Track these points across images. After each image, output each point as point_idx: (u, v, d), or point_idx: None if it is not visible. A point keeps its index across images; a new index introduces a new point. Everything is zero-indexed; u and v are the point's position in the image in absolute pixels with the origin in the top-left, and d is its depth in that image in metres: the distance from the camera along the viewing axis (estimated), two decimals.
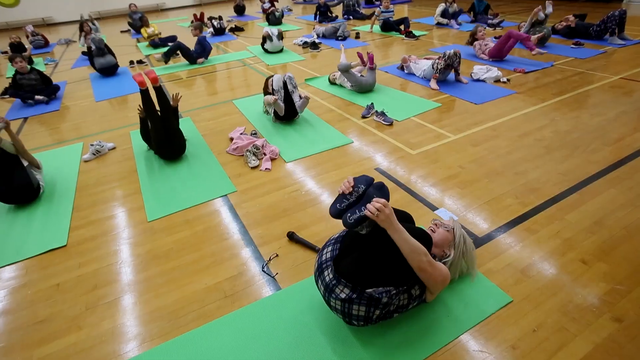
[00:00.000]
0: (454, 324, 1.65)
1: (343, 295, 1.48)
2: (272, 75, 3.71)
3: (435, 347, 1.56)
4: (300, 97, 3.68)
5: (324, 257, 1.59)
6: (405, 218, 1.79)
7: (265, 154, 3.15)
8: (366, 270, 1.48)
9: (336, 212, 1.57)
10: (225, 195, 2.72)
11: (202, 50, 6.33)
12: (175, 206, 2.63)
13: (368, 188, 1.54)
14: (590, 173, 2.64)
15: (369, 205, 1.37)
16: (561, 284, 1.81)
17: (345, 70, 4.40)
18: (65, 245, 2.35)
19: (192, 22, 9.68)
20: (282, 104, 3.53)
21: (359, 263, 1.49)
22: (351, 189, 1.55)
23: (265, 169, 2.98)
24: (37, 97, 4.97)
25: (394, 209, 1.78)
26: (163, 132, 3.08)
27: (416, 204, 2.46)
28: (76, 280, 2.08)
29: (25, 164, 2.91)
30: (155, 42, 7.80)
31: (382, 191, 1.48)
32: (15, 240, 2.43)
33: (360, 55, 4.56)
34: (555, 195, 2.44)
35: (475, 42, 5.52)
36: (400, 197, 2.54)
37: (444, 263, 1.69)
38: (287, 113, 3.66)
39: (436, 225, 1.78)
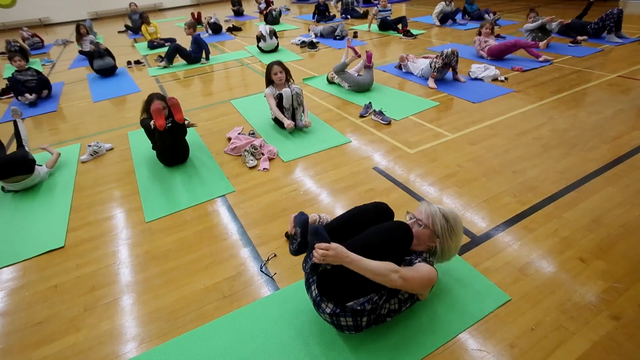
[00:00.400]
0: (452, 322, 1.65)
1: (328, 310, 1.51)
2: (276, 61, 3.58)
3: (434, 346, 1.56)
4: (303, 117, 3.58)
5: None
6: (383, 212, 1.68)
7: (263, 154, 3.15)
8: (341, 286, 1.48)
9: (293, 252, 1.80)
10: (224, 195, 2.71)
11: (199, 48, 6.31)
12: (173, 207, 2.62)
13: (303, 228, 1.70)
14: (588, 171, 2.65)
15: (314, 253, 1.39)
16: (559, 282, 1.81)
17: (341, 70, 4.40)
18: (63, 247, 2.34)
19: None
20: (293, 124, 3.48)
21: (334, 280, 1.49)
22: (294, 229, 1.71)
23: (264, 169, 2.98)
24: (27, 95, 4.98)
25: (364, 207, 1.71)
26: (171, 146, 3.04)
27: (414, 203, 2.46)
28: (74, 281, 2.07)
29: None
30: (154, 44, 7.77)
31: (318, 235, 1.46)
32: (13, 241, 2.42)
33: (352, 48, 4.54)
34: (553, 193, 2.45)
35: (477, 37, 5.46)
36: (399, 196, 2.54)
37: (434, 253, 1.63)
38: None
39: (411, 224, 1.63)
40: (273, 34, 6.56)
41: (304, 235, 1.64)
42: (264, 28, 6.55)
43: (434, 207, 1.63)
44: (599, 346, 1.52)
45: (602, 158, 2.79)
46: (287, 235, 2.23)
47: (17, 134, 3.18)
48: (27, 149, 3.10)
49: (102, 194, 2.87)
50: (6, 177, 2.84)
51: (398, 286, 1.41)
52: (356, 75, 4.47)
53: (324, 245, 1.37)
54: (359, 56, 4.48)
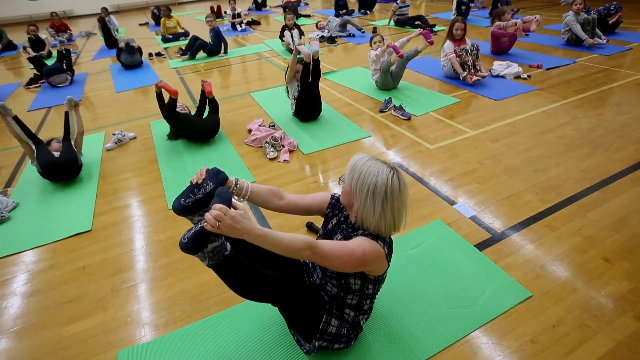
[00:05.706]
0: (472, 316, 1.65)
1: (306, 348, 1.50)
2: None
3: (454, 338, 1.57)
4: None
5: None
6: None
7: (283, 146, 3.18)
8: (295, 324, 1.45)
9: (179, 208, 1.29)
10: None
11: (218, 41, 6.39)
12: None
13: (217, 187, 1.28)
14: (613, 171, 2.59)
15: (207, 215, 1.03)
16: (582, 281, 1.79)
17: (414, 56, 4.13)
18: (90, 230, 2.42)
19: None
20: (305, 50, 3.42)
21: (288, 319, 1.47)
22: (201, 182, 1.30)
23: (284, 160, 3.01)
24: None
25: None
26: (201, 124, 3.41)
27: (434, 197, 2.46)
28: (101, 263, 2.14)
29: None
30: (167, 38, 7.92)
31: (220, 196, 1.16)
32: (44, 224, 2.51)
33: (424, 34, 4.10)
34: (576, 192, 2.41)
35: (498, 22, 5.15)
36: (418, 190, 2.54)
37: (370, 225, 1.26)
38: (310, 113, 3.67)
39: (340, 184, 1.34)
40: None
41: (210, 196, 1.27)
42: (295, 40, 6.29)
43: (357, 157, 1.27)
44: (623, 346, 1.50)
45: (628, 159, 2.73)
46: (307, 226, 2.25)
47: (66, 126, 3.08)
48: (72, 142, 3.04)
49: (126, 181, 2.95)
50: (54, 181, 2.92)
51: (315, 261, 1.16)
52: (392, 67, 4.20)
53: (219, 206, 1.03)
54: (431, 43, 4.06)
